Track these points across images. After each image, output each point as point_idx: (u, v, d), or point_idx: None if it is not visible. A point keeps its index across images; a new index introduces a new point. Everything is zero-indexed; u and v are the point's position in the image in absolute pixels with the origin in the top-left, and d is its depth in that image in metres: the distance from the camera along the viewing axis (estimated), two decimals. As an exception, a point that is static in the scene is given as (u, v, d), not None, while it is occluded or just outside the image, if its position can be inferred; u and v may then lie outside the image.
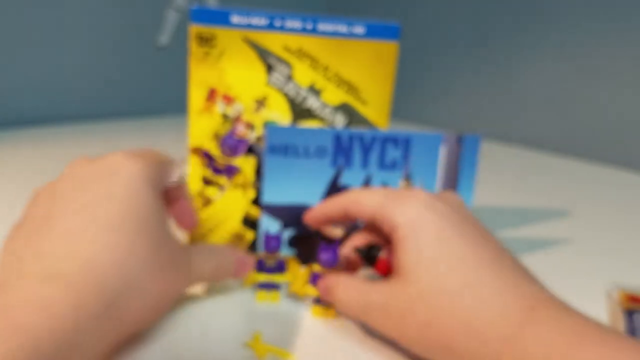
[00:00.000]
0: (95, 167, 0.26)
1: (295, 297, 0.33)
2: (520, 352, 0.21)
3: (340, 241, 0.37)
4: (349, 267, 0.33)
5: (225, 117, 0.36)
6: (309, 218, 0.34)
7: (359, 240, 0.32)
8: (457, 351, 0.23)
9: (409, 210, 0.26)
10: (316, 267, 0.32)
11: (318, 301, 0.31)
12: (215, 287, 0.34)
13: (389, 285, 0.26)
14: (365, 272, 0.35)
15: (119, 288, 0.22)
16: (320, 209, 0.33)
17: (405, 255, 0.25)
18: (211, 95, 0.36)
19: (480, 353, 0.22)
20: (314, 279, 0.31)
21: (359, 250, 0.30)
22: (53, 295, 0.20)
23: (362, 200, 0.29)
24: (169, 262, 0.25)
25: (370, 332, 0.30)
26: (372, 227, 0.32)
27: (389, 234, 0.28)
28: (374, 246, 0.30)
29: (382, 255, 0.29)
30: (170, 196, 0.31)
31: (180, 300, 0.32)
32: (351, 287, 0.28)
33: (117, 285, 0.22)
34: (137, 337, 0.27)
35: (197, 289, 0.33)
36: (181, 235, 0.40)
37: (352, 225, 0.37)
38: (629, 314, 0.32)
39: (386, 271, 0.29)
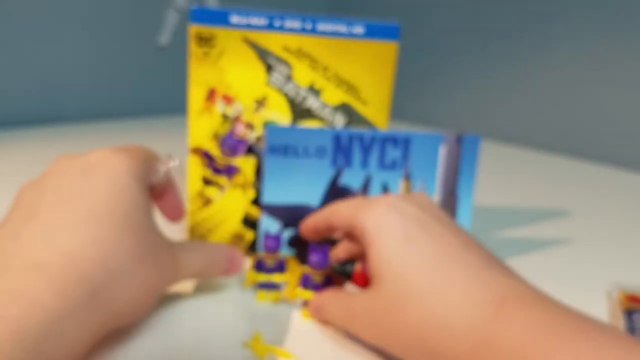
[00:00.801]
0: (81, 163, 0.26)
1: (287, 300, 0.33)
2: (496, 348, 0.21)
3: (334, 242, 0.37)
4: (337, 282, 0.34)
5: (224, 117, 0.36)
6: (303, 230, 0.34)
7: (339, 251, 0.32)
8: (435, 352, 0.23)
9: (374, 215, 0.26)
10: (307, 269, 0.32)
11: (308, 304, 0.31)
12: (204, 286, 0.34)
13: (366, 292, 0.26)
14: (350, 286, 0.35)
15: (101, 280, 0.22)
16: (310, 221, 0.33)
17: (375, 259, 0.26)
18: (211, 95, 0.36)
19: (457, 352, 0.22)
20: (305, 280, 0.31)
21: (333, 268, 0.30)
22: (35, 285, 0.20)
23: (339, 210, 0.30)
24: (154, 257, 0.25)
25: (370, 332, 0.30)
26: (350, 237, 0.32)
27: (360, 240, 0.28)
28: (348, 261, 0.30)
29: (357, 268, 0.29)
30: (157, 190, 0.31)
31: (180, 299, 0.32)
32: (336, 301, 0.28)
33: (99, 277, 0.22)
34: (131, 334, 0.28)
35: (185, 286, 0.33)
36: (178, 233, 0.40)
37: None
38: (629, 314, 0.32)
39: (363, 283, 0.29)
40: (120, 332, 0.28)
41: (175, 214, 0.33)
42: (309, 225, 0.33)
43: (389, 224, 0.26)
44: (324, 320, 0.30)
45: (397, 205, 0.27)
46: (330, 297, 0.29)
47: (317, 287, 0.31)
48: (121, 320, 0.25)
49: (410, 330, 0.24)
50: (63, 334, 0.20)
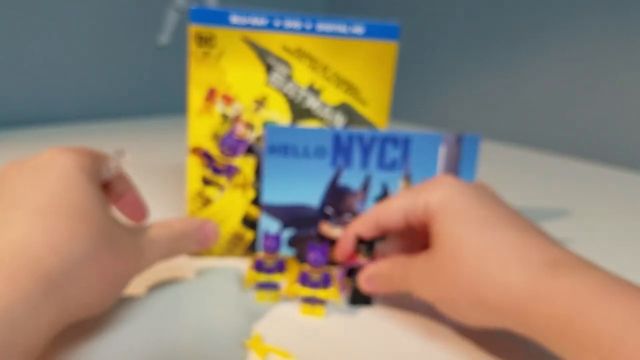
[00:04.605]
0: (30, 164, 0.26)
1: (288, 297, 0.33)
2: (546, 303, 0.23)
3: (332, 242, 0.37)
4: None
5: (224, 117, 0.36)
6: (340, 255, 0.34)
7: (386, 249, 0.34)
8: (486, 304, 0.25)
9: (438, 192, 0.29)
10: (305, 267, 0.32)
11: (306, 300, 0.31)
12: (204, 285, 0.34)
13: (425, 254, 0.29)
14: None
15: (56, 268, 0.22)
16: (349, 236, 0.33)
17: (438, 226, 0.28)
18: (210, 95, 0.36)
19: (509, 304, 0.24)
20: (303, 278, 0.31)
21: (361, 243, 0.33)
22: None
23: (390, 205, 0.31)
24: (110, 244, 0.25)
25: (370, 333, 0.30)
26: (400, 234, 0.34)
27: (423, 217, 0.30)
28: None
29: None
30: (115, 191, 0.31)
31: (180, 299, 0.32)
32: (391, 266, 0.31)
33: (54, 265, 0.22)
34: (131, 333, 0.28)
35: (185, 286, 0.33)
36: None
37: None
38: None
39: None
40: (119, 330, 0.28)
41: (137, 213, 0.33)
42: (347, 243, 0.33)
43: (451, 199, 0.28)
44: (377, 288, 0.31)
45: (458, 184, 0.29)
46: (384, 264, 0.31)
47: (316, 285, 0.31)
48: (86, 310, 0.25)
49: (465, 284, 0.26)
50: (16, 320, 0.20)
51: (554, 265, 0.24)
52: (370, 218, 0.32)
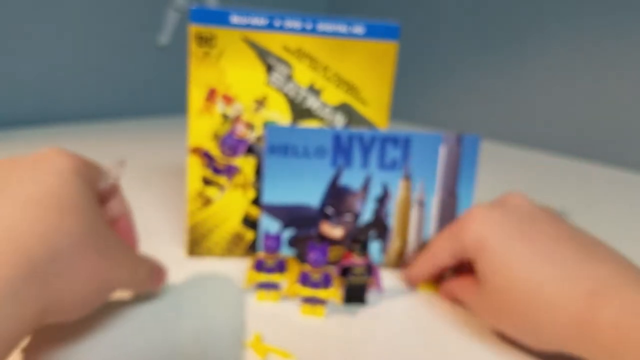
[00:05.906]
0: (26, 159, 0.26)
1: (288, 297, 0.33)
2: (593, 335, 0.24)
3: (332, 242, 0.37)
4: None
5: (225, 117, 0.36)
6: (412, 279, 0.36)
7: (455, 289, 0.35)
8: (543, 334, 0.27)
9: (471, 234, 0.30)
10: (306, 267, 0.32)
11: (307, 300, 0.31)
12: (204, 285, 0.34)
13: (479, 287, 0.30)
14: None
15: (42, 257, 0.22)
16: (418, 271, 0.35)
17: (481, 269, 0.29)
18: (211, 95, 0.36)
19: (555, 337, 0.26)
20: (304, 278, 0.31)
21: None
22: None
23: (438, 252, 0.33)
24: (101, 245, 0.25)
25: (370, 333, 0.30)
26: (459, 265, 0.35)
27: (468, 258, 0.31)
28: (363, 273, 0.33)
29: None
30: (110, 214, 0.31)
31: (180, 299, 0.32)
32: (462, 288, 0.33)
33: (40, 254, 0.22)
34: (131, 333, 0.28)
35: (185, 286, 0.33)
36: (178, 233, 0.40)
37: (352, 226, 0.37)
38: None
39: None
40: (119, 330, 0.28)
41: (127, 242, 0.32)
42: (419, 275, 0.35)
43: (485, 238, 0.29)
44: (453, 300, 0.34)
45: (487, 217, 0.30)
46: (458, 285, 0.33)
47: (316, 285, 0.31)
48: (68, 309, 0.24)
49: (516, 314, 0.27)
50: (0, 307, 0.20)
51: (595, 295, 0.25)
52: (427, 264, 0.34)
